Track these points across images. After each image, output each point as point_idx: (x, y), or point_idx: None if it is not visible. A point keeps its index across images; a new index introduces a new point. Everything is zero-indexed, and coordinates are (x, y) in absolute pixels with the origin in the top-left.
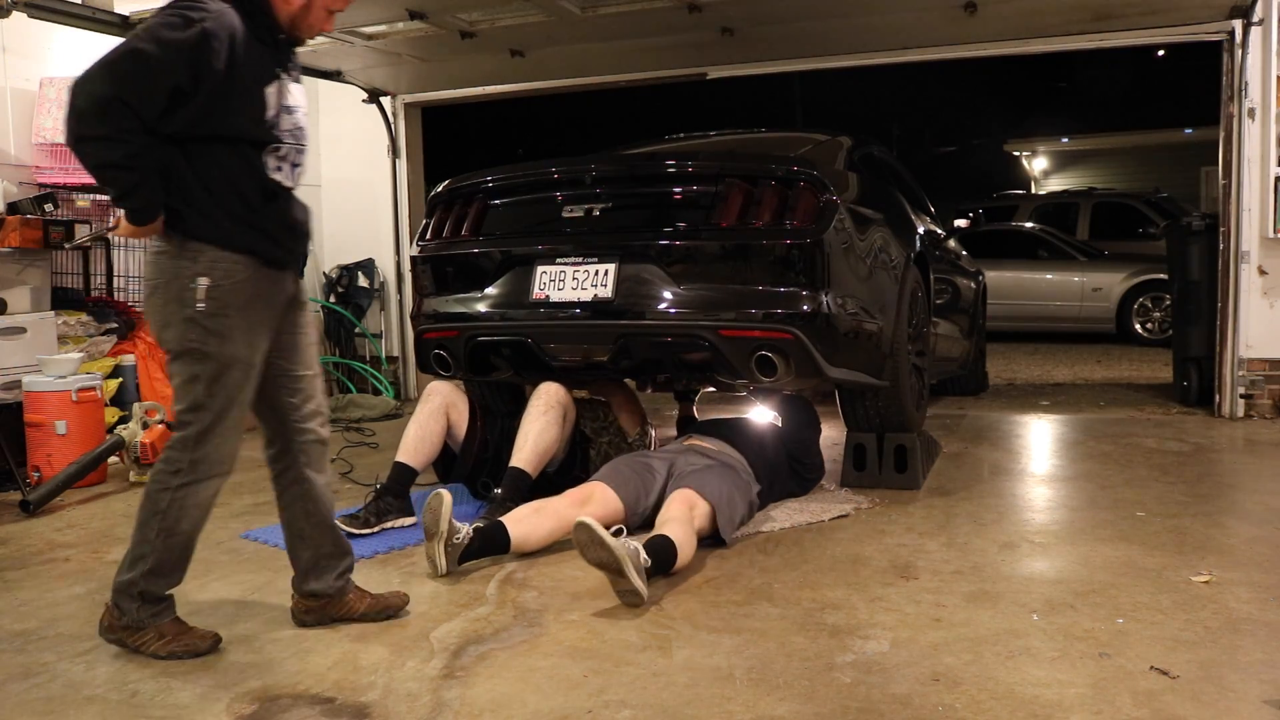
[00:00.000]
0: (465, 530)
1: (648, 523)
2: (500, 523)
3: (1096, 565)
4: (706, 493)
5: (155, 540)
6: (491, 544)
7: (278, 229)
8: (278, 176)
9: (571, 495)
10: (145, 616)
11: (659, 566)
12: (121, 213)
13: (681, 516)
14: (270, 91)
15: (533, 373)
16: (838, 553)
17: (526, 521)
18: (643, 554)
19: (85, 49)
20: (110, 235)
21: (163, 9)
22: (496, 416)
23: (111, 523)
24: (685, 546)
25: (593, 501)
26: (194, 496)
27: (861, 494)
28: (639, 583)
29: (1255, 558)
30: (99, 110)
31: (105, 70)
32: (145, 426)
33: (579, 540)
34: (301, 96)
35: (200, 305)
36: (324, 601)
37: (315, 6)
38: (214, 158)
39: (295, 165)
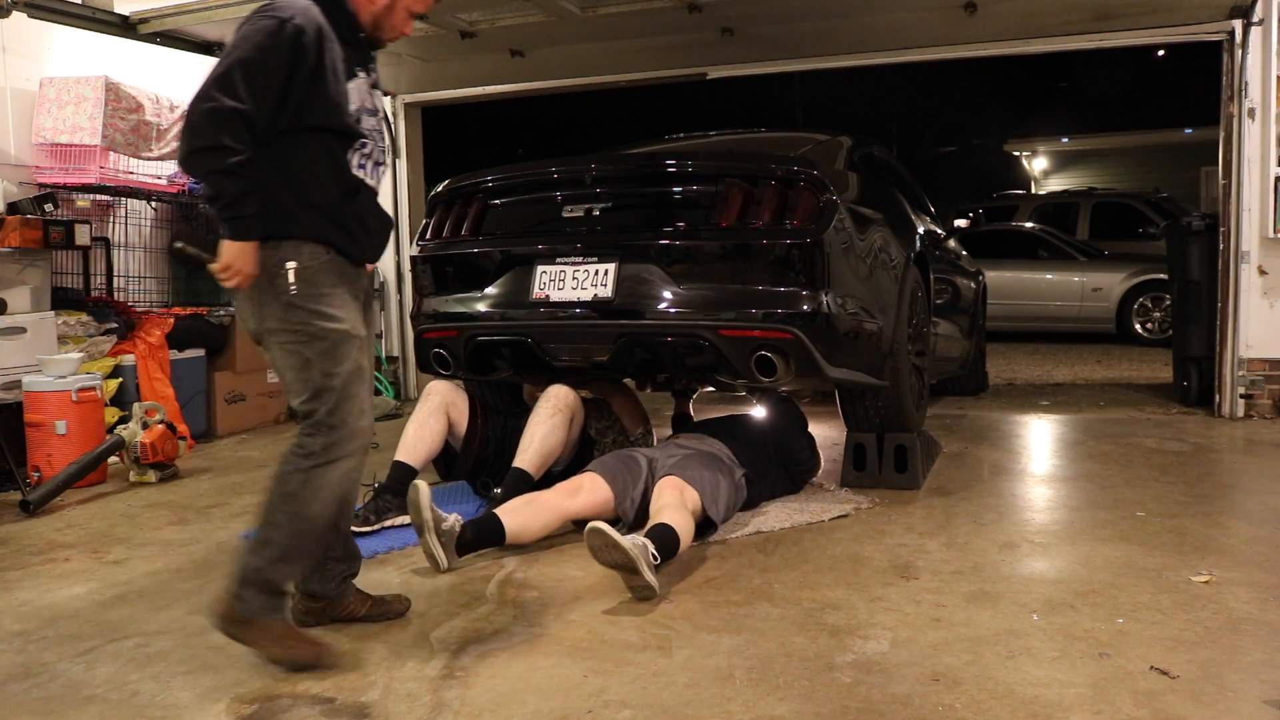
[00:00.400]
0: (453, 519)
1: (638, 516)
2: (494, 514)
3: (1096, 565)
4: (689, 478)
5: (284, 523)
6: (486, 535)
7: (355, 226)
8: (360, 174)
9: (562, 487)
10: (263, 609)
11: (665, 555)
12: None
13: (675, 502)
14: (352, 88)
15: (533, 372)
16: (838, 553)
17: (521, 514)
18: (650, 548)
19: (85, 49)
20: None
21: (257, 12)
22: (497, 415)
23: (111, 523)
24: (684, 530)
25: (583, 492)
26: (325, 476)
27: (861, 494)
28: (652, 578)
29: (1255, 558)
30: (210, 122)
31: (215, 85)
32: (145, 426)
33: (593, 545)
34: (380, 101)
35: (294, 288)
36: (325, 603)
37: (398, 7)
38: (298, 152)
39: (378, 164)
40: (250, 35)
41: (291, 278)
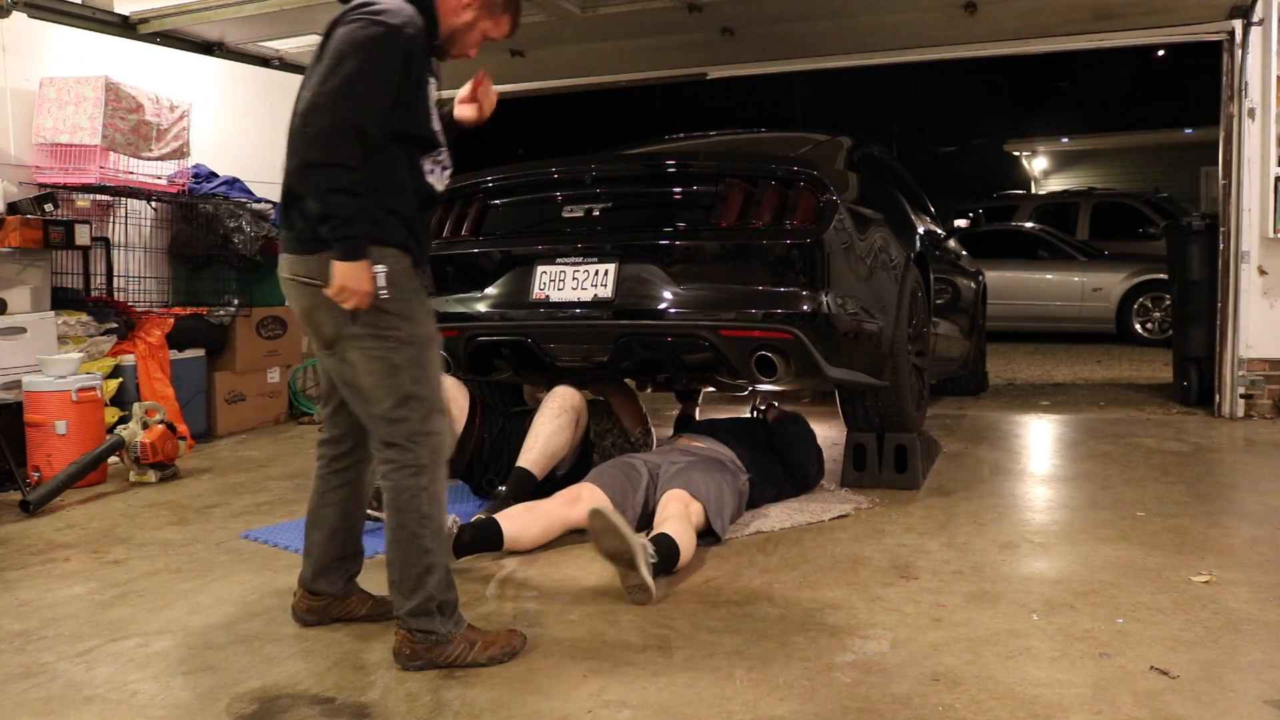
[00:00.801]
0: (451, 520)
1: (639, 525)
2: (493, 519)
3: (1096, 565)
4: (694, 491)
5: (433, 546)
6: (484, 539)
7: (421, 233)
8: (431, 179)
9: (561, 496)
10: (450, 628)
11: (664, 564)
12: (337, 266)
13: (679, 514)
14: (431, 94)
15: (533, 373)
16: (838, 553)
17: (519, 519)
18: (650, 549)
19: (85, 49)
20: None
21: (364, 15)
22: (496, 415)
23: (111, 523)
24: (686, 545)
25: (582, 501)
26: (439, 483)
27: (861, 494)
28: (649, 578)
29: (1255, 558)
30: (330, 137)
31: (334, 97)
32: (145, 426)
33: (594, 527)
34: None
35: (384, 293)
36: (327, 601)
37: (476, 29)
38: (386, 160)
39: (445, 169)
40: (365, 44)
41: (383, 282)
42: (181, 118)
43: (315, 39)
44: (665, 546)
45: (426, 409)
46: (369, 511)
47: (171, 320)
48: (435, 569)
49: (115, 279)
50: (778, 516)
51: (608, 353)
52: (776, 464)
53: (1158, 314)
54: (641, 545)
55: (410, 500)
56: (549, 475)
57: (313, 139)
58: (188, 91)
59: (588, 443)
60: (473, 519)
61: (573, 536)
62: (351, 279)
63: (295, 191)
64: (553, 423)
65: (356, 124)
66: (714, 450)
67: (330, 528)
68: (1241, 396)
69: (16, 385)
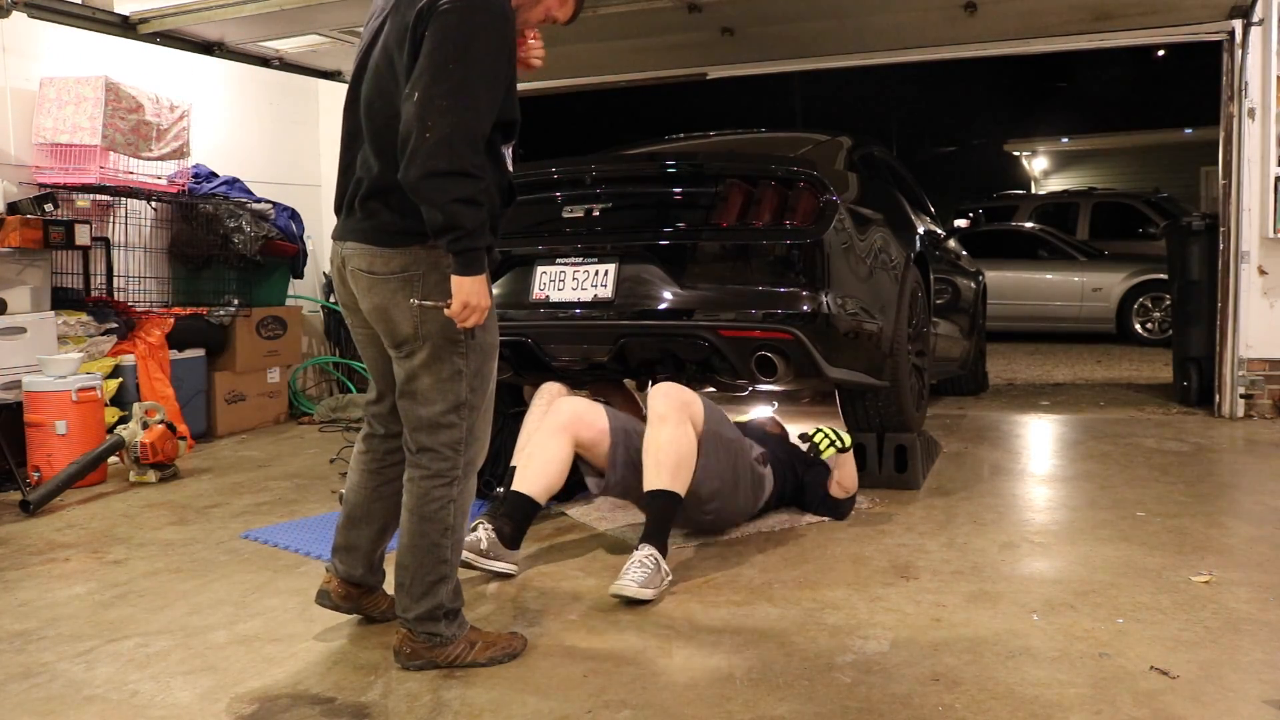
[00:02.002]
0: (481, 532)
1: (622, 487)
2: (515, 493)
3: (1096, 565)
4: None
5: (453, 557)
6: (524, 517)
7: (495, 229)
8: (510, 169)
9: (554, 422)
10: (454, 631)
11: (662, 543)
12: (464, 282)
13: (672, 416)
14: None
15: (533, 373)
16: (838, 553)
17: (537, 476)
18: (656, 558)
19: (85, 49)
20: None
21: (463, 1)
22: (495, 416)
23: (111, 523)
24: (682, 462)
25: (582, 423)
26: (467, 495)
27: (861, 494)
28: (653, 594)
29: (1255, 558)
30: (458, 142)
31: (456, 98)
32: (145, 426)
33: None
34: None
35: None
36: (361, 592)
37: (540, 8)
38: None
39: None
40: (477, 36)
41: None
42: (181, 118)
43: (316, 39)
44: (660, 510)
45: (474, 419)
46: None
47: (171, 320)
48: (449, 579)
49: (115, 279)
50: (778, 516)
51: (608, 353)
52: (788, 470)
53: (1158, 314)
54: (654, 573)
55: (438, 510)
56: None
57: (436, 144)
58: (188, 91)
59: None
60: (479, 520)
61: (573, 536)
62: (475, 294)
63: (381, 185)
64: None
65: (479, 127)
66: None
67: (382, 522)
68: (1241, 396)
69: (16, 385)
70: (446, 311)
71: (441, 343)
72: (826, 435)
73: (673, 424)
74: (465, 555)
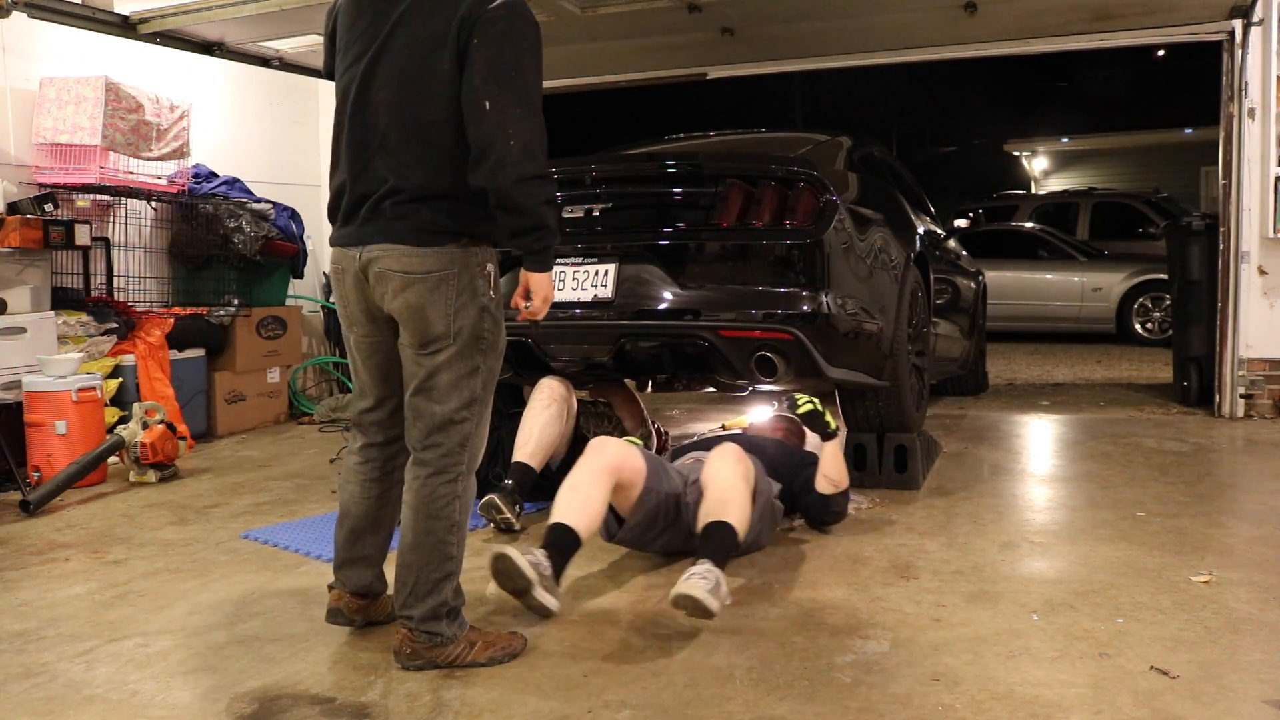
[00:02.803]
0: (540, 557)
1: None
2: (561, 525)
3: (1096, 565)
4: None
5: (458, 554)
6: (568, 551)
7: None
8: None
9: (594, 462)
10: (455, 630)
11: (720, 551)
12: (532, 276)
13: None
14: None
15: (533, 373)
16: (838, 553)
17: (580, 510)
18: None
19: (85, 49)
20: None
21: (507, 10)
22: (494, 415)
23: (111, 523)
24: (740, 514)
25: (625, 468)
26: (471, 491)
27: (861, 494)
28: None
29: (1255, 558)
30: (540, 146)
31: (529, 106)
32: (145, 426)
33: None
34: None
35: (491, 294)
36: (370, 602)
37: None
38: None
39: None
40: (527, 39)
41: (491, 282)
42: (181, 118)
43: (316, 39)
44: (717, 534)
45: (481, 415)
46: None
47: (171, 320)
48: (454, 576)
49: (115, 279)
50: None
51: (607, 353)
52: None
53: (1158, 314)
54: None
55: (444, 507)
56: (544, 468)
57: (522, 152)
58: (188, 91)
59: (580, 437)
60: (537, 551)
61: None
62: (550, 288)
63: (423, 190)
64: (543, 414)
65: (544, 131)
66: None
67: (388, 529)
68: (1241, 396)
69: (16, 385)
70: (526, 310)
71: (470, 340)
72: (811, 400)
73: (740, 477)
74: (529, 574)
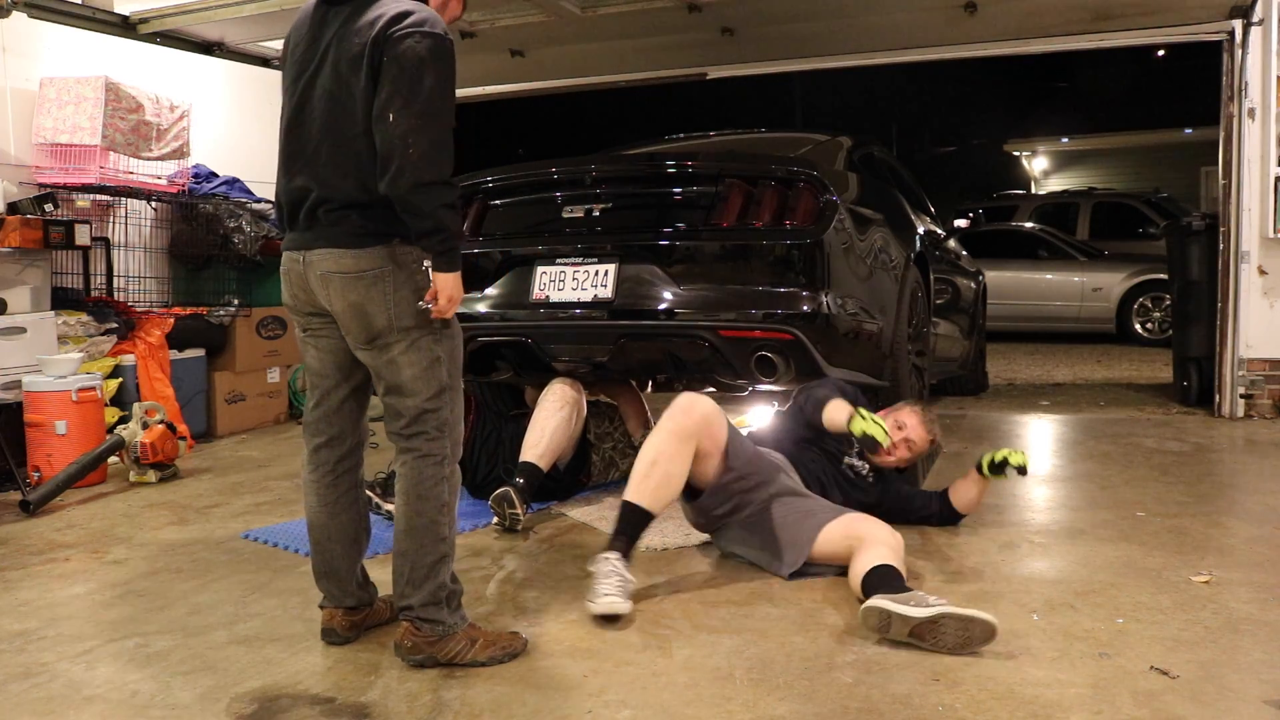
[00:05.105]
0: (615, 558)
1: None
2: (630, 504)
3: (1096, 565)
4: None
5: (448, 533)
6: (638, 531)
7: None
8: None
9: (683, 425)
10: (456, 620)
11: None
12: (445, 276)
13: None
14: None
15: (533, 373)
16: None
17: (656, 489)
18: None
19: (85, 49)
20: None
21: (415, 30)
22: (494, 416)
23: (111, 523)
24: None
25: (706, 432)
26: (457, 474)
27: None
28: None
29: (1255, 558)
30: (444, 154)
31: (429, 115)
32: (145, 426)
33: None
34: None
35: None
36: (364, 613)
37: (447, 14)
38: None
39: None
40: (433, 59)
41: (429, 275)
42: (181, 118)
43: None
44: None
45: (454, 399)
46: (378, 503)
47: (171, 320)
48: (449, 558)
49: (115, 279)
50: None
51: (608, 353)
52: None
53: (1158, 314)
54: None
55: (432, 488)
56: (551, 468)
57: (420, 159)
58: (188, 91)
59: (586, 442)
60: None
61: (572, 535)
62: (458, 288)
63: (351, 199)
64: (556, 416)
65: (450, 139)
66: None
67: (352, 534)
68: (1241, 396)
69: (16, 385)
70: (432, 306)
71: (419, 333)
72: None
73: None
74: (601, 585)
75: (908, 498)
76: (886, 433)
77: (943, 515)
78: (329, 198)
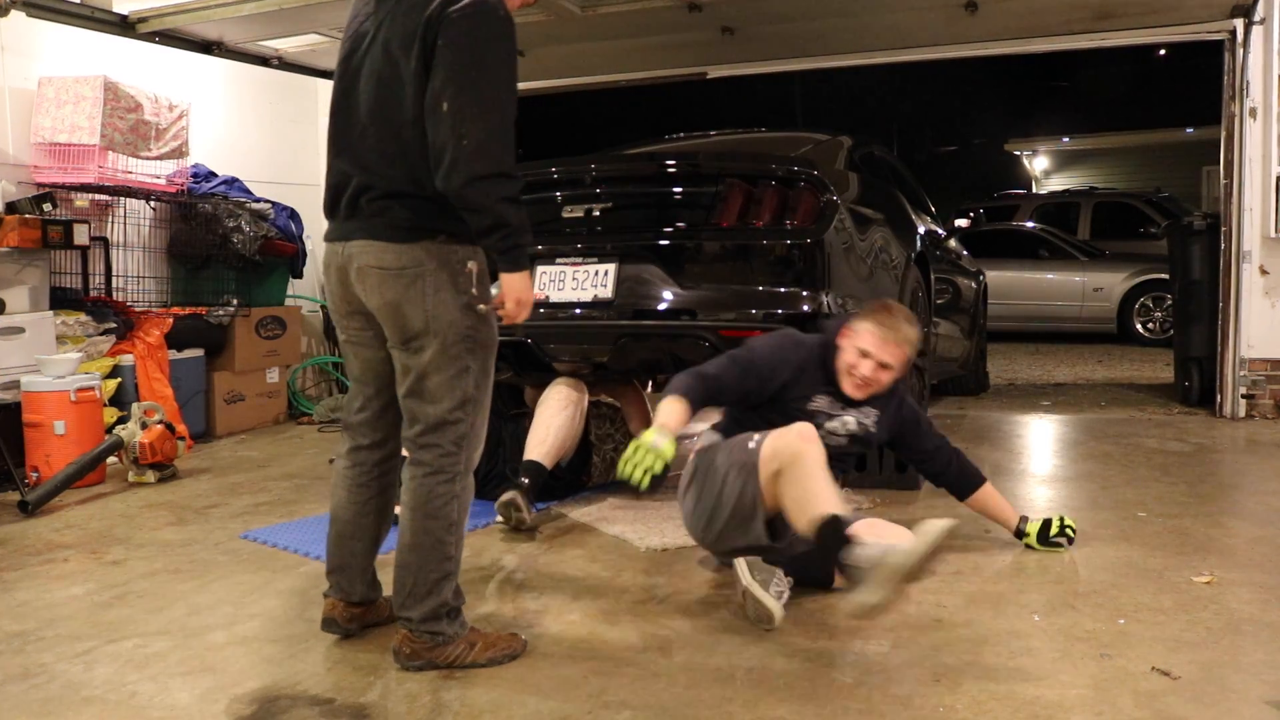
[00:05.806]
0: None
1: None
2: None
3: (1097, 565)
4: None
5: (456, 554)
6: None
7: None
8: None
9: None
10: (456, 629)
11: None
12: (511, 278)
13: None
14: None
15: (533, 373)
16: None
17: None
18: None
19: (84, 48)
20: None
21: (471, 6)
22: (492, 416)
23: (110, 523)
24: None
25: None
26: (469, 491)
27: (861, 494)
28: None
29: (1257, 558)
30: (502, 143)
31: (488, 103)
32: (144, 426)
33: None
34: None
35: (474, 291)
36: (365, 608)
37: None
38: None
39: None
40: (493, 38)
41: (473, 279)
42: (180, 117)
43: (315, 38)
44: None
45: (476, 414)
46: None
47: (170, 320)
48: (453, 576)
49: (114, 279)
50: None
51: (608, 353)
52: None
53: (1159, 314)
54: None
55: (442, 507)
56: (554, 467)
57: (474, 151)
58: (187, 91)
59: (588, 443)
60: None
61: (572, 534)
62: (525, 289)
63: (394, 188)
64: (560, 415)
65: (509, 129)
66: None
67: (374, 534)
68: (1243, 396)
69: (15, 385)
70: (501, 311)
71: (454, 339)
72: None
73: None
74: (758, 592)
75: (917, 437)
76: (656, 473)
77: (952, 488)
78: (371, 185)
